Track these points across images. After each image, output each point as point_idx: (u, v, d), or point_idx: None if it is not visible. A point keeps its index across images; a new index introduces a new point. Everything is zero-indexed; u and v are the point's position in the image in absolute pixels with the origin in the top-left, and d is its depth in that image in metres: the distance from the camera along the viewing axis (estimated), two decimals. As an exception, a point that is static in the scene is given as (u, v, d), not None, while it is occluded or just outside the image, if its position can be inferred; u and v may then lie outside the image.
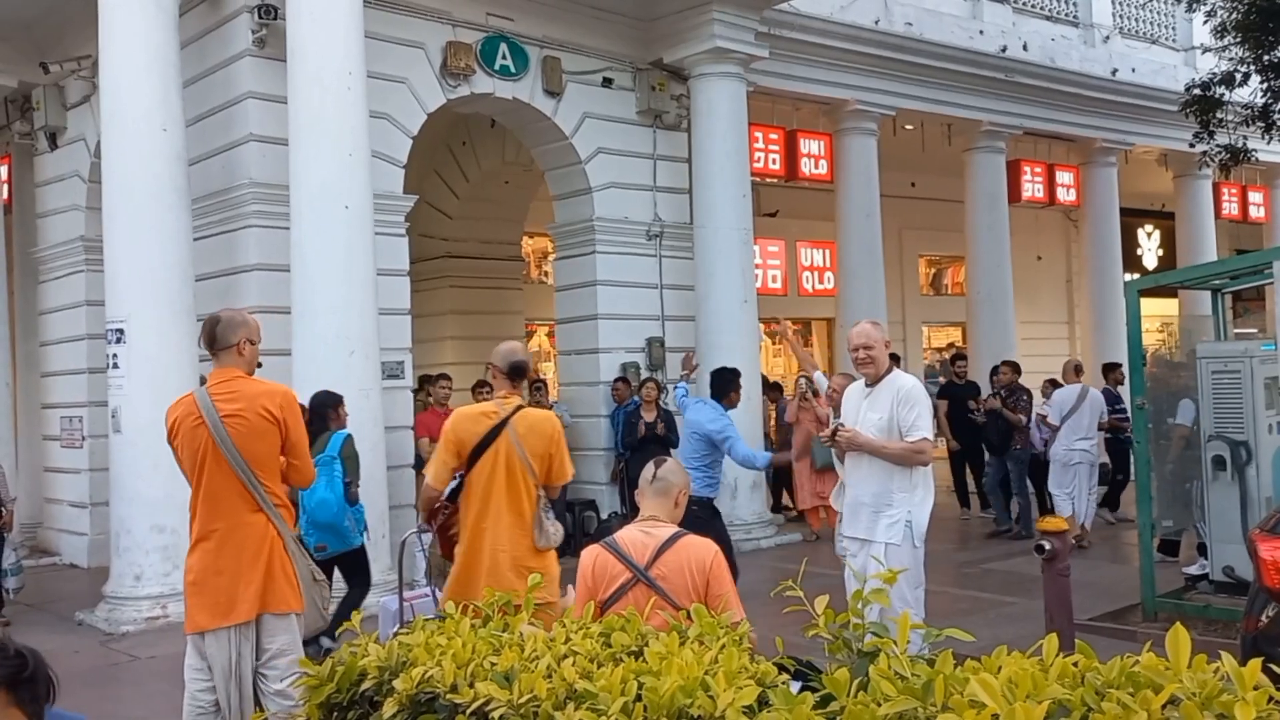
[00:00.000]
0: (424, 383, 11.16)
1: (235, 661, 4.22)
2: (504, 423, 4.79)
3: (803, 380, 12.03)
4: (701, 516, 6.41)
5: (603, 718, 2.14)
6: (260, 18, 9.15)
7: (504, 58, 10.76)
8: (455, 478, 4.91)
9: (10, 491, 9.62)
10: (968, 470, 12.84)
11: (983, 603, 8.51)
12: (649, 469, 3.97)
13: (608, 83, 11.62)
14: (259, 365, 4.57)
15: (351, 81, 8.64)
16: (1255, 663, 1.73)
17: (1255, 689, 1.70)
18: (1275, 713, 1.68)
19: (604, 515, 11.25)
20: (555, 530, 4.87)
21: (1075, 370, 11.62)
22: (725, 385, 7.56)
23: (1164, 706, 1.75)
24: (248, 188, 9.33)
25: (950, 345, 19.47)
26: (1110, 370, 12.54)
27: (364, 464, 8.55)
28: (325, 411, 7.16)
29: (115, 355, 8.55)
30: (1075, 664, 2.01)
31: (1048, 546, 6.41)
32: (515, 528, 4.76)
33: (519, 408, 4.87)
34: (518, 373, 4.97)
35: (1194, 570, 8.02)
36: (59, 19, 10.96)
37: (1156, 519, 7.70)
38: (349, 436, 7.14)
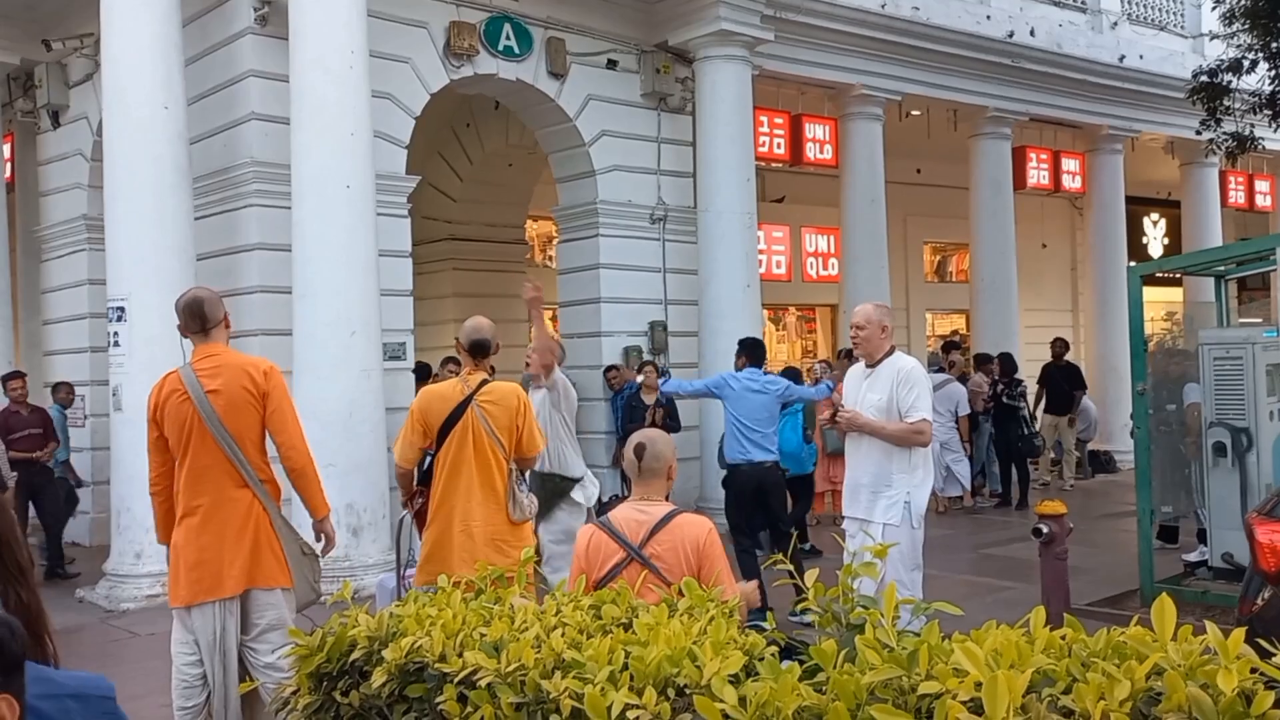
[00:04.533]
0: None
1: (220, 636, 4.25)
2: (469, 399, 4.80)
3: (818, 366, 12.00)
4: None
5: (589, 686, 2.14)
6: (263, -4, 9.12)
7: (508, 38, 10.72)
8: (426, 457, 4.92)
9: (10, 470, 9.63)
10: None
11: (980, 587, 8.50)
12: (632, 452, 3.81)
13: (612, 65, 11.57)
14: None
15: (354, 60, 8.61)
16: (1239, 632, 1.72)
17: (1238, 658, 1.69)
18: (1258, 682, 1.67)
19: (605, 498, 11.25)
20: (530, 502, 4.89)
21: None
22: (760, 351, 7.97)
23: (1148, 676, 1.74)
24: (249, 167, 9.30)
25: (954, 332, 19.40)
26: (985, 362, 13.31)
27: (364, 445, 8.61)
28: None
29: (116, 334, 8.56)
30: (1063, 637, 2.01)
31: (1045, 530, 6.41)
32: (488, 503, 4.77)
33: (484, 383, 4.88)
34: (479, 350, 4.98)
35: (1193, 557, 8.02)
36: (62, -3, 10.95)
37: (1156, 505, 7.68)
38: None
